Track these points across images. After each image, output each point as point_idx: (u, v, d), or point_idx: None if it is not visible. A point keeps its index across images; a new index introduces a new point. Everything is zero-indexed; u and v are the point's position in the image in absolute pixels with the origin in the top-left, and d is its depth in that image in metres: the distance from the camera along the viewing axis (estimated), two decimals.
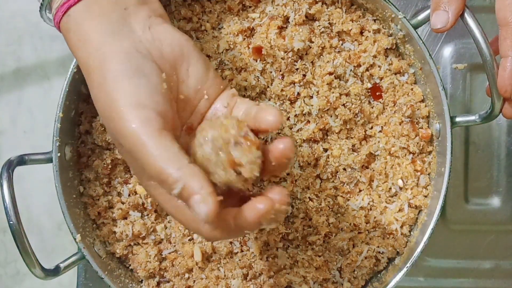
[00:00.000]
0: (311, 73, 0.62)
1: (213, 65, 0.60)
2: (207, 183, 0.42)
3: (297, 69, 0.62)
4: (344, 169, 0.63)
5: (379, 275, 0.65)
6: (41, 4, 0.52)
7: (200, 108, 0.50)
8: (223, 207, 0.43)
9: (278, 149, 0.46)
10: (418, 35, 0.60)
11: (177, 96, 0.48)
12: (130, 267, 0.65)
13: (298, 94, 0.62)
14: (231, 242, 0.63)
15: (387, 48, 0.63)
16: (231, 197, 0.47)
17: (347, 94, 0.62)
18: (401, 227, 0.64)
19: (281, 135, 0.62)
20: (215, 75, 0.51)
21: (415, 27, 0.60)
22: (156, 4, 0.51)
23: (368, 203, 0.64)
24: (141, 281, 0.65)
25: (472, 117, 0.61)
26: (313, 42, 0.62)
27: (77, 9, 0.47)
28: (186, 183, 0.41)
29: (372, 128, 0.64)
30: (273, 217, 0.43)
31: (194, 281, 0.64)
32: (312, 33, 0.62)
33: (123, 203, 0.64)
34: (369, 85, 0.63)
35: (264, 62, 0.61)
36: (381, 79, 0.64)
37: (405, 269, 0.61)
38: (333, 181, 0.63)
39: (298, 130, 0.62)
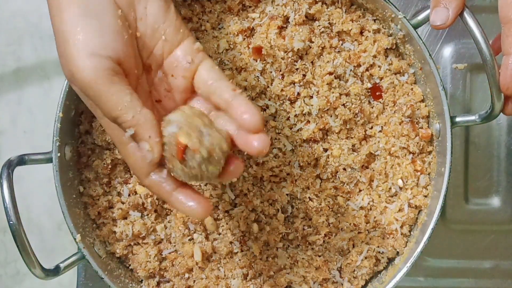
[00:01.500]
0: (311, 73, 0.62)
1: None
2: (155, 132, 0.45)
3: (297, 69, 0.62)
4: (344, 169, 0.63)
5: (379, 275, 0.65)
6: None
7: (159, 50, 0.51)
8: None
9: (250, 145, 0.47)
10: (418, 35, 0.60)
11: (136, 33, 0.49)
12: (130, 267, 0.65)
13: (298, 94, 0.62)
14: (231, 242, 0.63)
15: (387, 48, 0.63)
16: None
17: (347, 94, 0.62)
18: (401, 227, 0.64)
19: (281, 135, 0.62)
20: (176, 17, 0.51)
21: (415, 27, 0.60)
22: None
23: (368, 203, 0.64)
24: (141, 281, 0.65)
25: (472, 117, 0.61)
26: (313, 42, 0.62)
27: None
28: (137, 130, 0.45)
29: (372, 128, 0.64)
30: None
31: (194, 281, 0.64)
32: (312, 33, 0.62)
33: (123, 203, 0.64)
34: (369, 85, 0.63)
35: (264, 62, 0.61)
36: (381, 79, 0.64)
37: (405, 269, 0.61)
38: (333, 181, 0.63)
39: (298, 130, 0.62)
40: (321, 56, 0.62)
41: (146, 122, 0.46)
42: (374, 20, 0.63)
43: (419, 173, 0.64)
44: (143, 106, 0.46)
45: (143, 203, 0.63)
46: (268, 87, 0.61)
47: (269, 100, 0.61)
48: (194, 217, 0.47)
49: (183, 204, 0.48)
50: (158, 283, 0.65)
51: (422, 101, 0.64)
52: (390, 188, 0.64)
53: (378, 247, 0.64)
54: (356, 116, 0.63)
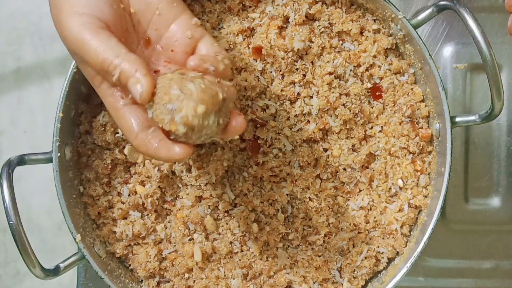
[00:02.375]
0: (311, 73, 0.62)
1: None
2: (142, 66, 0.46)
3: (297, 69, 0.62)
4: (344, 169, 0.63)
5: (379, 275, 0.65)
6: None
7: (155, 24, 0.52)
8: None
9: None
10: (418, 35, 0.60)
11: (129, 9, 0.51)
12: (130, 267, 0.65)
13: (298, 94, 0.62)
14: (231, 242, 0.63)
15: (387, 48, 0.63)
16: None
17: (347, 94, 0.62)
18: (401, 227, 0.64)
19: (281, 135, 0.62)
20: None
21: (415, 27, 0.60)
22: None
23: (368, 203, 0.64)
24: (141, 281, 0.65)
25: (472, 117, 0.61)
26: (313, 42, 0.62)
27: None
28: (123, 67, 0.46)
29: (372, 128, 0.64)
30: None
31: (194, 281, 0.64)
32: (312, 33, 0.62)
33: (123, 203, 0.64)
34: (369, 85, 0.63)
35: (264, 62, 0.61)
36: (381, 79, 0.64)
37: (405, 269, 0.61)
38: (333, 181, 0.63)
39: (298, 130, 0.62)
40: (321, 56, 0.62)
41: (133, 59, 0.46)
42: (374, 20, 0.63)
43: (419, 173, 0.64)
44: (129, 51, 0.47)
45: (143, 203, 0.63)
46: (268, 87, 0.61)
47: (269, 100, 0.61)
48: (178, 159, 0.48)
49: (169, 150, 0.48)
50: (158, 283, 0.65)
51: (422, 101, 0.64)
52: (390, 188, 0.64)
53: (378, 247, 0.64)
54: (356, 116, 0.63)
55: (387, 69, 0.63)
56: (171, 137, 0.47)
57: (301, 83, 0.62)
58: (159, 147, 0.48)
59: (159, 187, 0.63)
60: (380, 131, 0.64)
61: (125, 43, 0.49)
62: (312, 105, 0.62)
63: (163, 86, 0.46)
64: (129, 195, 0.64)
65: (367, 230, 0.64)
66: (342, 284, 0.64)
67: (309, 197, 0.63)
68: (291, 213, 0.64)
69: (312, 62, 0.63)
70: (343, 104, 0.62)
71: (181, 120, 0.45)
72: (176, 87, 0.45)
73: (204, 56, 0.50)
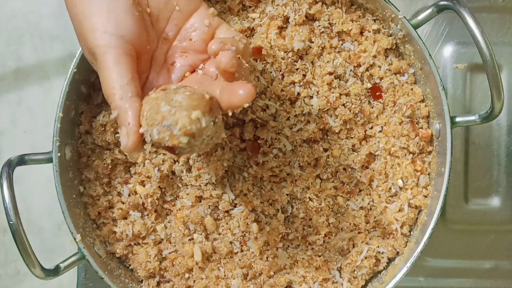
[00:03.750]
0: (311, 73, 0.62)
1: None
2: (135, 122, 0.48)
3: (297, 69, 0.62)
4: (344, 169, 0.63)
5: (379, 275, 0.65)
6: None
7: (174, 20, 0.53)
8: None
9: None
10: (418, 35, 0.60)
11: (146, 9, 0.52)
12: (130, 267, 0.65)
13: (298, 94, 0.62)
14: (231, 242, 0.63)
15: (387, 48, 0.63)
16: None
17: (347, 94, 0.62)
18: (401, 227, 0.64)
19: (281, 135, 0.62)
20: None
21: (415, 27, 0.60)
22: None
23: (368, 203, 0.64)
24: (141, 281, 0.65)
25: (472, 117, 0.61)
26: (313, 42, 0.62)
27: None
28: (120, 114, 0.48)
29: (372, 128, 0.64)
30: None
31: (194, 281, 0.64)
32: (312, 33, 0.62)
33: (123, 203, 0.64)
34: (369, 85, 0.63)
35: (264, 62, 0.61)
36: (381, 79, 0.64)
37: (405, 269, 0.61)
38: (333, 181, 0.63)
39: (298, 130, 0.62)
40: (321, 56, 0.62)
41: (131, 109, 0.48)
42: (374, 20, 0.63)
43: (419, 173, 0.64)
44: (136, 94, 0.48)
45: (143, 203, 0.63)
46: (268, 87, 0.61)
47: (269, 100, 0.61)
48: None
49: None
50: (158, 283, 0.65)
51: (422, 101, 0.64)
52: (390, 188, 0.64)
53: (378, 247, 0.64)
54: (356, 116, 0.63)
55: (387, 69, 0.63)
56: (176, 152, 0.47)
57: (301, 83, 0.62)
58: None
59: (159, 187, 0.63)
60: (380, 131, 0.64)
61: (145, 50, 0.51)
62: (312, 105, 0.62)
63: (151, 107, 0.47)
64: (129, 195, 0.64)
65: (367, 230, 0.64)
66: (342, 284, 0.64)
67: (309, 197, 0.63)
68: (291, 213, 0.64)
69: (312, 62, 0.63)
70: (343, 104, 0.62)
71: (180, 132, 0.45)
72: (164, 103, 0.46)
73: (224, 39, 0.50)
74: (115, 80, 0.48)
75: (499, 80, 0.57)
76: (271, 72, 0.62)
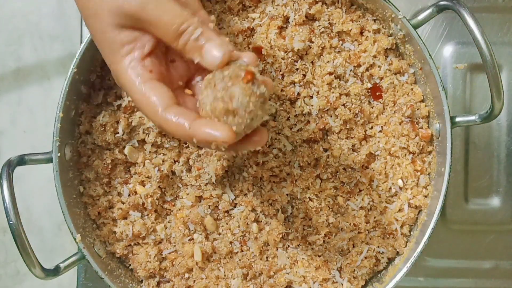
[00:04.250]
0: (311, 73, 0.62)
1: None
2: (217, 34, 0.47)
3: (297, 69, 0.62)
4: (344, 169, 0.63)
5: (379, 275, 0.65)
6: None
7: None
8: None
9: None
10: (418, 35, 0.60)
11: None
12: (130, 267, 0.65)
13: (298, 94, 0.62)
14: (231, 242, 0.63)
15: (387, 48, 0.63)
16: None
17: (347, 94, 0.62)
18: (401, 227, 0.64)
19: (281, 135, 0.62)
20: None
21: (415, 27, 0.60)
22: None
23: (368, 203, 0.64)
24: (141, 281, 0.65)
25: (472, 117, 0.61)
26: (313, 42, 0.62)
27: None
28: (204, 29, 0.47)
29: (372, 128, 0.64)
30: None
31: (194, 281, 0.64)
32: (312, 33, 0.62)
33: (123, 203, 0.64)
34: (369, 85, 0.63)
35: (264, 62, 0.61)
36: (381, 79, 0.64)
37: (405, 269, 0.61)
38: (333, 181, 0.63)
39: (298, 130, 0.62)
40: (321, 56, 0.62)
41: (207, 23, 0.48)
42: (374, 20, 0.63)
43: (419, 173, 0.64)
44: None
45: (143, 203, 0.63)
46: None
47: (269, 100, 0.61)
48: (221, 141, 0.45)
49: (211, 131, 0.45)
50: (158, 283, 0.65)
51: (422, 101, 0.64)
52: (390, 188, 0.64)
53: (378, 247, 0.64)
54: (356, 116, 0.63)
55: (387, 69, 0.63)
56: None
57: (301, 83, 0.62)
58: (194, 127, 0.46)
59: (159, 187, 0.63)
60: (380, 131, 0.64)
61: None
62: (312, 105, 0.62)
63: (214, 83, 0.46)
64: (129, 195, 0.63)
65: (367, 230, 0.64)
66: (342, 284, 0.64)
67: (309, 197, 0.63)
68: (291, 213, 0.64)
69: (312, 62, 0.63)
70: (343, 104, 0.62)
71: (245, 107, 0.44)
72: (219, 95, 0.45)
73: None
74: (173, 12, 0.47)
75: (499, 80, 0.57)
76: (271, 72, 0.62)
